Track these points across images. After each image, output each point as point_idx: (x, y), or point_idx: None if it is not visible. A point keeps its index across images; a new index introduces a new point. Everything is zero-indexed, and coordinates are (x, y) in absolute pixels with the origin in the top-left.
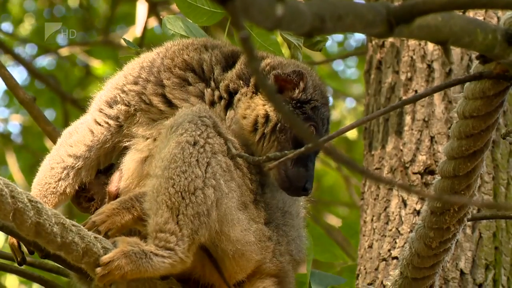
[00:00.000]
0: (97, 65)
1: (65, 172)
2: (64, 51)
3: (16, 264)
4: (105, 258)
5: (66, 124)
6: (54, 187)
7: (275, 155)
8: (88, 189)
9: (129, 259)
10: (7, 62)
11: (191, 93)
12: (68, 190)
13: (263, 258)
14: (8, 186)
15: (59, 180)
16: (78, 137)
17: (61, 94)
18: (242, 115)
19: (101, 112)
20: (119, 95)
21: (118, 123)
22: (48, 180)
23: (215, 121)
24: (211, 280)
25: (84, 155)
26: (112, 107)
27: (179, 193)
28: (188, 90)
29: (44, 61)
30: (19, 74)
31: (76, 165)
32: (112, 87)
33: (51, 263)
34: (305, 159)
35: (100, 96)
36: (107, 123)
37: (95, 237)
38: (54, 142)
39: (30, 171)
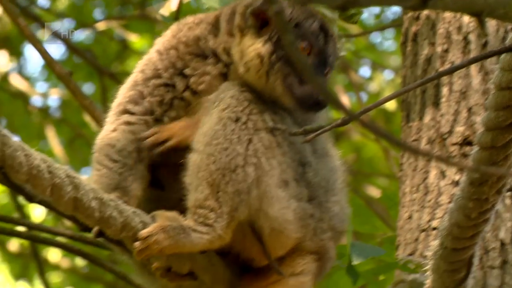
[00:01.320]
0: (134, 39)
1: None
2: (101, 25)
3: (58, 238)
4: (143, 232)
5: (104, 98)
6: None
7: (311, 127)
8: None
9: (167, 234)
10: (44, 37)
11: (210, 74)
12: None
13: (303, 236)
14: (45, 161)
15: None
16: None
17: (98, 69)
18: (241, 65)
19: (129, 113)
20: (145, 90)
21: (153, 116)
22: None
23: (253, 92)
24: (251, 254)
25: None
26: (140, 104)
27: (220, 170)
28: (205, 72)
29: (82, 36)
30: (57, 49)
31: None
32: (131, 87)
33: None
34: (310, 72)
35: (119, 103)
36: (142, 119)
37: (133, 212)
38: (92, 116)
39: (69, 145)
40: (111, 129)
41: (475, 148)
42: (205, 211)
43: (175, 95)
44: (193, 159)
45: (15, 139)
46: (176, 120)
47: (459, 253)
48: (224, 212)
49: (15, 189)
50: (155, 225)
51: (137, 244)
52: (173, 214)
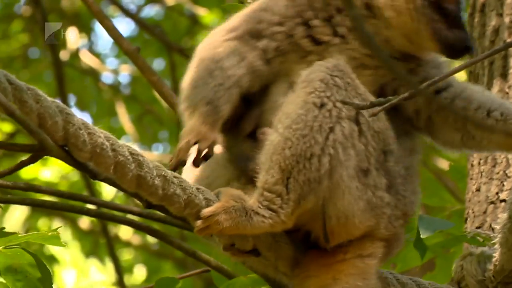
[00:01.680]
0: (203, 13)
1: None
2: (171, 1)
3: (127, 215)
4: (206, 211)
5: (173, 74)
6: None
7: (379, 101)
8: None
9: (229, 215)
10: (114, 13)
11: (345, 25)
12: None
13: (377, 224)
14: (109, 139)
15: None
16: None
17: (167, 44)
18: (389, 9)
19: (242, 41)
20: (265, 31)
21: (265, 56)
22: None
23: (348, 80)
24: (319, 233)
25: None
26: (258, 39)
27: (295, 157)
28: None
29: (152, 12)
30: (127, 25)
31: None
32: (251, 20)
33: (159, 213)
34: (457, 19)
35: (233, 27)
36: (253, 54)
37: (197, 189)
38: (159, 92)
39: (139, 121)
40: (219, 45)
41: None
42: (272, 195)
43: (293, 42)
44: (271, 139)
45: (82, 117)
46: (284, 65)
47: None
48: (291, 199)
49: (79, 167)
50: (217, 205)
51: (198, 222)
52: (238, 192)
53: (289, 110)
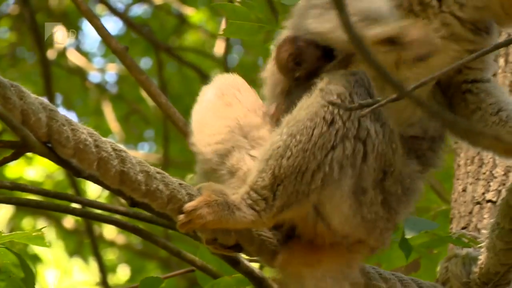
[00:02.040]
0: (191, 13)
1: None
2: (158, 0)
3: (114, 214)
4: (188, 206)
5: (160, 73)
6: None
7: (367, 102)
8: (300, 52)
9: (212, 209)
10: (102, 12)
11: None
12: None
13: (368, 236)
14: (92, 135)
15: None
16: None
17: (154, 43)
18: None
19: None
20: None
21: None
22: None
23: (368, 96)
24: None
25: None
26: None
27: (290, 168)
28: None
29: (139, 10)
30: (115, 24)
31: None
32: None
33: (145, 212)
34: None
35: None
36: None
37: (179, 184)
38: (147, 91)
39: (125, 120)
40: None
41: None
42: (258, 197)
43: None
44: (272, 140)
45: (65, 114)
46: None
47: None
48: (276, 205)
49: (62, 164)
50: (200, 199)
51: (181, 217)
52: (220, 187)
53: (299, 116)
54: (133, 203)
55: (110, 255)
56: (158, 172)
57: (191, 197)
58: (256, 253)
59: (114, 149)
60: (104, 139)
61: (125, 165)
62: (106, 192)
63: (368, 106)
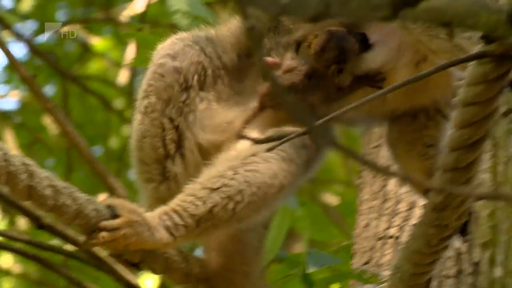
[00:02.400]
0: (96, 42)
1: None
2: (65, 29)
3: (11, 242)
4: (109, 224)
5: (65, 101)
6: None
7: (277, 135)
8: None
9: (134, 229)
10: (7, 38)
11: None
12: None
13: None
14: (1, 149)
15: None
16: None
17: (60, 71)
18: None
19: None
20: None
21: None
22: None
23: None
24: None
25: None
26: None
27: (233, 213)
28: None
29: (44, 37)
30: (19, 51)
31: None
32: None
33: (46, 242)
34: None
35: None
36: None
37: (87, 199)
38: (55, 119)
39: (28, 149)
40: None
41: (437, 171)
42: (181, 222)
43: None
44: (226, 170)
45: None
46: None
47: (417, 277)
48: (194, 234)
49: None
50: (122, 219)
51: (104, 234)
52: (134, 206)
53: (237, 156)
54: (40, 225)
55: (6, 285)
56: (65, 187)
57: (98, 212)
58: (161, 271)
59: (23, 163)
60: (13, 153)
61: (33, 179)
62: (5, 220)
63: (278, 139)
